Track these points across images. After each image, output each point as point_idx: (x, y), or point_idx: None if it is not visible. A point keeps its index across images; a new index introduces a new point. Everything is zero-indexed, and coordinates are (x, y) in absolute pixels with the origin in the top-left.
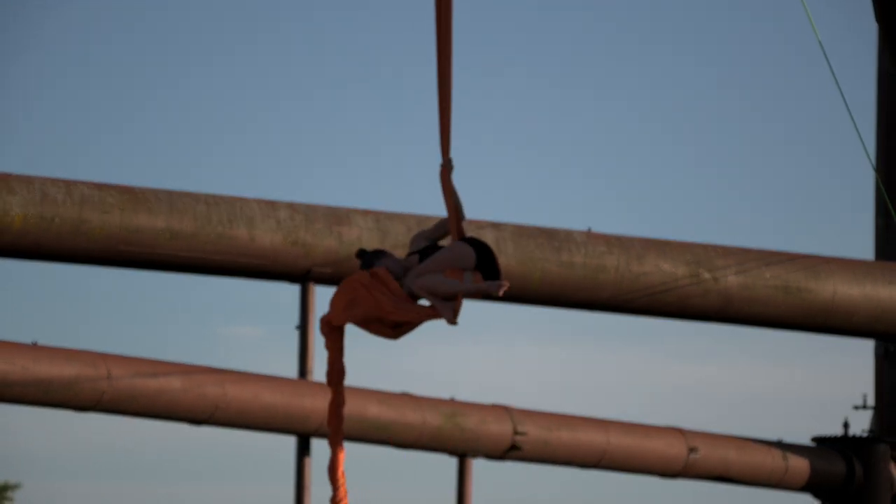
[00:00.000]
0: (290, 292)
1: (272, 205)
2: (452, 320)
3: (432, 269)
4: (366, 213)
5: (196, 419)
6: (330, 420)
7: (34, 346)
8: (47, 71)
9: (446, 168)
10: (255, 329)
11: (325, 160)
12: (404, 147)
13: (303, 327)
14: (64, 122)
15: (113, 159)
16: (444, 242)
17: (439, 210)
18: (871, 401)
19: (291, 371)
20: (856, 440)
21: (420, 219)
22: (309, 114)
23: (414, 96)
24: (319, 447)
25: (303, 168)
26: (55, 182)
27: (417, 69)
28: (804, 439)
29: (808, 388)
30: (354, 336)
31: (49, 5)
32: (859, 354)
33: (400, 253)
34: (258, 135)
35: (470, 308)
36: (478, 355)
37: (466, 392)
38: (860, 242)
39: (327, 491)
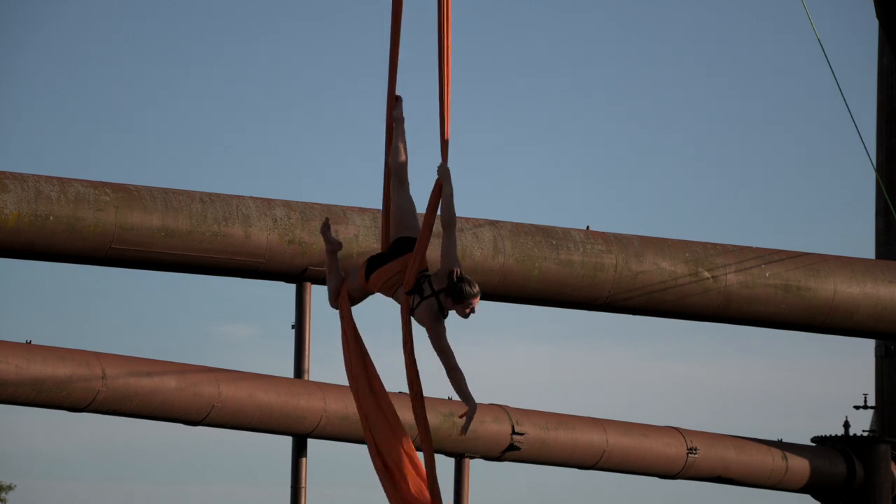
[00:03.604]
0: (286, 291)
1: (268, 203)
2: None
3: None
4: (363, 210)
5: (191, 419)
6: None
7: (28, 346)
8: (43, 69)
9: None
10: (251, 328)
11: (321, 158)
12: None
13: (299, 327)
14: (59, 120)
15: (108, 157)
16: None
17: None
18: (871, 400)
19: (287, 371)
20: (856, 440)
21: (416, 216)
22: (306, 112)
23: (412, 94)
24: (316, 447)
25: (299, 166)
26: (49, 180)
27: (416, 67)
28: (804, 439)
29: (809, 387)
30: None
31: (45, 4)
32: (860, 354)
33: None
34: (254, 133)
35: None
36: (475, 354)
37: None
38: (860, 241)
39: (324, 491)
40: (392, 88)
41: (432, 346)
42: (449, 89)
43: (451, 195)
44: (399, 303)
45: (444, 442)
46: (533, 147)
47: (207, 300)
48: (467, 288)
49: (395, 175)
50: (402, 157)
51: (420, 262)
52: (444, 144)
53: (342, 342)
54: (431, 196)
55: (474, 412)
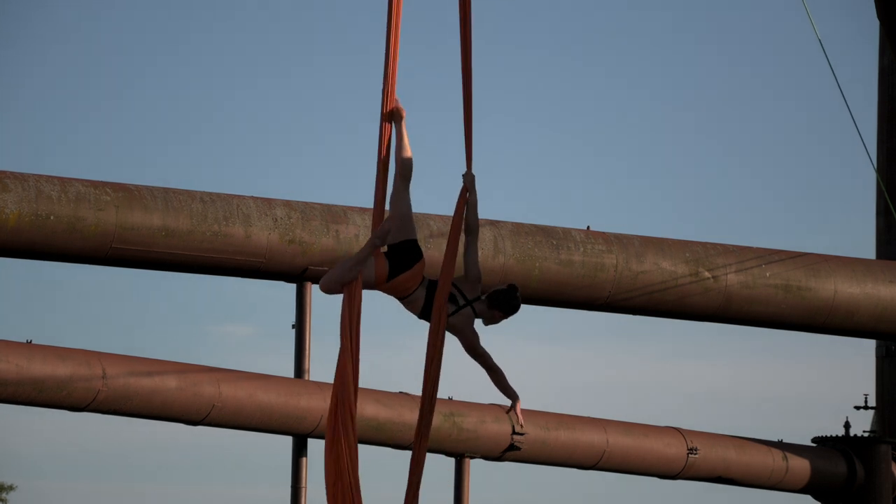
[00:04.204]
0: (286, 291)
1: (269, 202)
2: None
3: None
4: (363, 210)
5: (191, 419)
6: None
7: (28, 345)
8: (42, 69)
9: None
10: (251, 328)
11: (322, 158)
12: None
13: (299, 327)
14: (59, 120)
15: (108, 157)
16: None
17: (437, 208)
18: (872, 401)
19: (288, 371)
20: (857, 440)
21: (417, 217)
22: (306, 111)
23: (413, 94)
24: (316, 447)
25: (300, 166)
26: (50, 179)
27: (417, 67)
28: (805, 439)
29: (809, 388)
30: None
31: (45, 4)
32: (860, 354)
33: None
34: (255, 132)
35: None
36: None
37: (464, 391)
38: (861, 241)
39: (324, 491)
40: (391, 83)
41: (467, 353)
42: (471, 96)
43: (475, 202)
44: (409, 306)
45: (444, 442)
46: (533, 147)
47: (207, 300)
48: (520, 303)
49: (403, 173)
50: (409, 153)
51: (453, 271)
52: (469, 152)
53: (346, 324)
54: (458, 203)
55: (519, 402)
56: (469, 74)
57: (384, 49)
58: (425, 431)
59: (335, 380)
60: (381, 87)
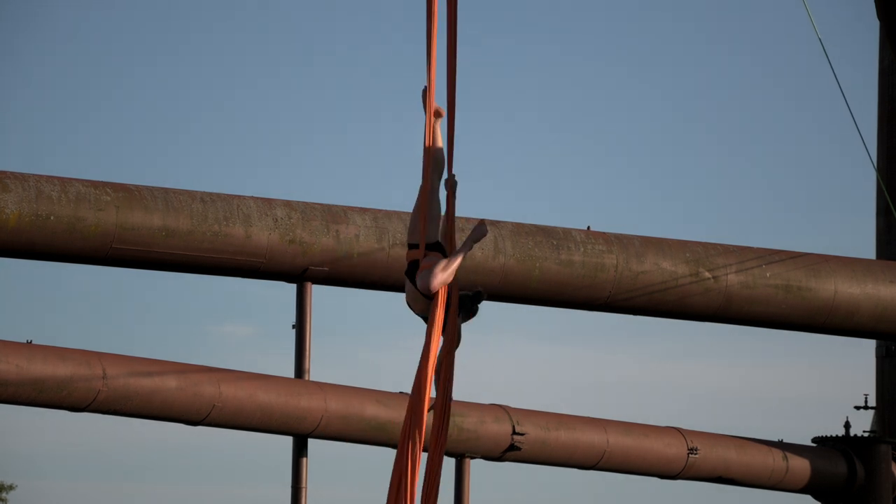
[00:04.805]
0: (286, 291)
1: (269, 202)
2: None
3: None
4: (363, 210)
5: (191, 419)
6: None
7: (29, 345)
8: (42, 69)
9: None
10: (251, 328)
11: (322, 158)
12: (402, 145)
13: (299, 327)
14: (59, 120)
15: (108, 157)
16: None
17: None
18: (872, 401)
19: (288, 371)
20: (857, 440)
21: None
22: (306, 111)
23: (413, 95)
24: (316, 447)
25: (300, 166)
26: (50, 180)
27: (417, 68)
28: (805, 440)
29: (809, 388)
30: (353, 337)
31: (45, 5)
32: (861, 354)
33: (399, 251)
34: (255, 132)
35: None
36: (476, 354)
37: (464, 391)
38: (861, 241)
39: (324, 491)
40: (432, 83)
41: (448, 352)
42: (455, 101)
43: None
44: (432, 308)
45: None
46: (533, 147)
47: (207, 300)
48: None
49: (438, 170)
50: (441, 143)
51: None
52: (451, 156)
53: (437, 324)
54: (448, 208)
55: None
56: (453, 83)
57: (425, 51)
58: (445, 432)
59: (413, 386)
60: (422, 87)
